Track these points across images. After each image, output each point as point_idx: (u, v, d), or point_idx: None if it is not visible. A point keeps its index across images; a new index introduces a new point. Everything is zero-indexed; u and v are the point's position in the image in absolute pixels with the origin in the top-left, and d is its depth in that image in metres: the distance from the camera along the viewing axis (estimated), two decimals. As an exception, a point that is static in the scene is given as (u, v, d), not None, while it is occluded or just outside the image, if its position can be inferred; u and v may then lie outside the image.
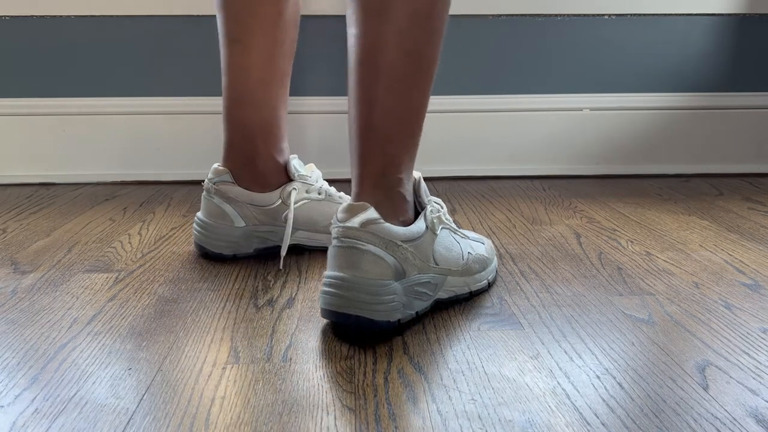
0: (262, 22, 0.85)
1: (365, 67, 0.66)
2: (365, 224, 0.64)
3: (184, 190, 1.32)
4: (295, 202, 0.88)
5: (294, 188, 0.88)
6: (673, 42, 1.42)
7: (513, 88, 1.43)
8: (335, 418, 0.51)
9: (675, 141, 1.46)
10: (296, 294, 0.77)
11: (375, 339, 0.65)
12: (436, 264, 0.69)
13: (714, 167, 1.47)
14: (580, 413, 0.51)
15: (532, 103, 1.43)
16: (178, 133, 1.40)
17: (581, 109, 1.44)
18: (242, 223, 0.88)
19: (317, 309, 0.72)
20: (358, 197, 0.68)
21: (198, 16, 1.37)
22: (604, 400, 0.53)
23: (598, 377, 0.57)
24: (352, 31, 0.67)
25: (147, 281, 0.81)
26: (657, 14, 1.41)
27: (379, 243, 0.64)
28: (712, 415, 0.51)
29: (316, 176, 0.91)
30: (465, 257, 0.73)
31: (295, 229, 0.89)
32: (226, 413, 0.52)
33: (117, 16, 1.36)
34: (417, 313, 0.68)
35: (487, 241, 0.81)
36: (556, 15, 1.40)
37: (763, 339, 0.64)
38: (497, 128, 1.43)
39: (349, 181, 1.53)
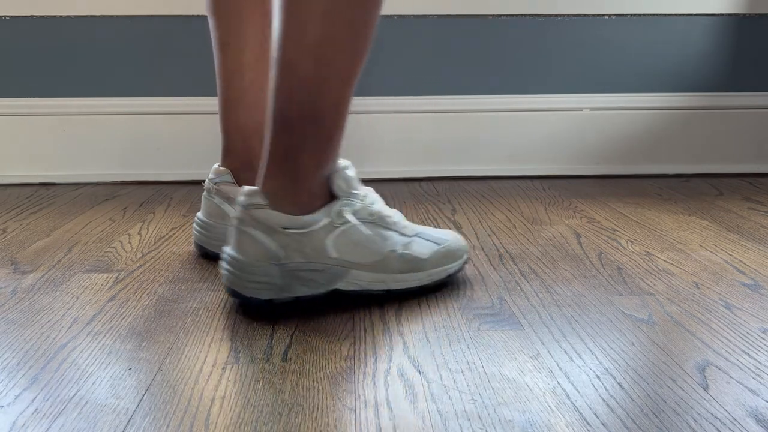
0: (250, 25, 0.85)
1: (276, 57, 0.67)
2: (249, 208, 0.69)
3: (184, 190, 1.32)
4: None
5: None
6: (673, 42, 1.42)
7: (513, 88, 1.43)
8: (335, 418, 0.51)
9: (675, 141, 1.46)
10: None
11: (256, 313, 0.71)
12: (335, 255, 0.70)
13: (714, 167, 1.47)
14: (580, 413, 0.51)
15: (532, 103, 1.43)
16: (178, 133, 1.41)
17: (581, 109, 1.44)
18: None
19: (317, 308, 0.72)
20: (261, 182, 0.71)
21: (198, 16, 1.37)
22: (604, 400, 0.53)
23: (598, 377, 0.57)
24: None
25: (147, 281, 0.81)
26: (657, 14, 1.41)
27: (259, 227, 0.69)
28: (712, 415, 0.51)
29: None
30: (383, 254, 0.72)
31: None
32: (226, 413, 0.52)
33: (117, 16, 1.36)
34: (299, 297, 0.71)
35: (449, 246, 0.77)
36: (556, 15, 1.40)
37: (763, 339, 0.64)
38: (497, 128, 1.43)
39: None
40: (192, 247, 0.94)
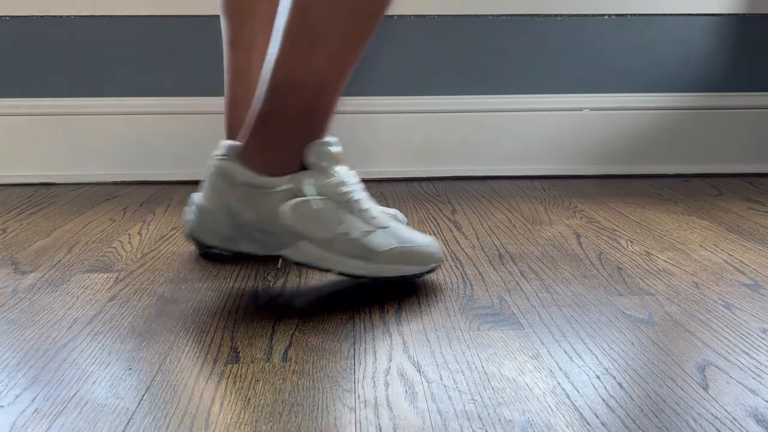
0: (261, 25, 0.85)
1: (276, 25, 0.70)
2: (220, 158, 0.73)
3: (184, 190, 1.32)
4: None
5: None
6: (673, 42, 1.42)
7: (513, 88, 1.43)
8: (335, 418, 0.51)
9: (675, 141, 1.46)
10: (296, 294, 0.77)
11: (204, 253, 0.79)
12: (286, 222, 0.72)
13: (714, 167, 1.47)
14: (580, 413, 0.51)
15: (532, 103, 1.43)
16: (178, 133, 1.41)
17: (581, 109, 1.44)
18: None
19: (317, 309, 0.72)
20: (241, 138, 0.74)
21: (198, 16, 1.37)
22: (604, 400, 0.53)
23: (598, 377, 0.57)
24: None
25: (147, 281, 0.81)
26: (657, 14, 1.41)
27: (222, 176, 0.73)
28: (712, 415, 0.51)
29: None
30: (335, 234, 0.73)
31: None
32: (226, 413, 0.52)
33: (117, 16, 1.36)
34: (243, 251, 0.74)
35: (413, 249, 0.76)
36: (556, 15, 1.40)
37: (763, 339, 0.64)
38: (497, 128, 1.43)
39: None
40: (192, 247, 0.94)
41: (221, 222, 0.72)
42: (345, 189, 0.74)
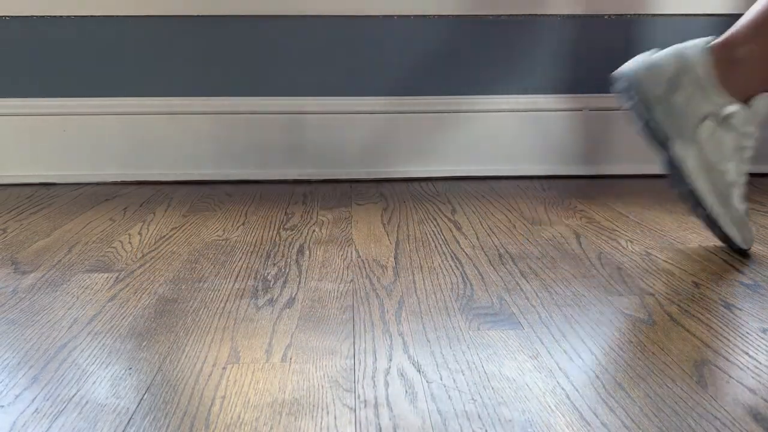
0: None
1: None
2: (706, 43, 0.86)
3: (184, 190, 1.33)
4: None
5: None
6: (673, 42, 1.42)
7: (513, 88, 1.43)
8: (335, 418, 0.51)
9: (675, 141, 1.46)
10: (296, 294, 0.77)
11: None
12: (698, 131, 0.84)
13: (714, 167, 1.46)
14: (580, 413, 0.51)
15: (532, 103, 1.43)
16: (178, 133, 1.41)
17: (581, 109, 1.44)
18: None
19: (317, 309, 0.72)
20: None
21: (198, 16, 1.37)
22: (604, 400, 0.53)
23: (598, 377, 0.57)
24: None
25: (147, 281, 0.81)
26: (657, 14, 1.41)
27: (693, 58, 0.86)
28: (712, 415, 0.51)
29: None
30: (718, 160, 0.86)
31: None
32: (226, 413, 0.52)
33: (117, 16, 1.36)
34: (653, 118, 0.85)
35: None
36: (556, 15, 1.40)
37: (763, 339, 0.64)
38: (497, 128, 1.43)
39: (348, 181, 1.53)
40: (192, 247, 0.94)
41: (663, 80, 0.82)
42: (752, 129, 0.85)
